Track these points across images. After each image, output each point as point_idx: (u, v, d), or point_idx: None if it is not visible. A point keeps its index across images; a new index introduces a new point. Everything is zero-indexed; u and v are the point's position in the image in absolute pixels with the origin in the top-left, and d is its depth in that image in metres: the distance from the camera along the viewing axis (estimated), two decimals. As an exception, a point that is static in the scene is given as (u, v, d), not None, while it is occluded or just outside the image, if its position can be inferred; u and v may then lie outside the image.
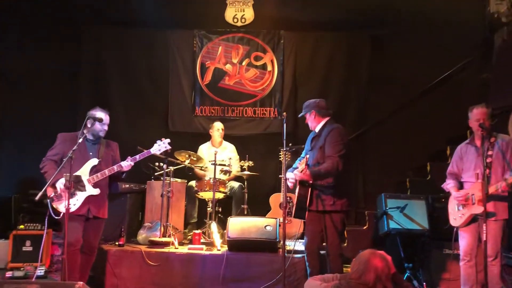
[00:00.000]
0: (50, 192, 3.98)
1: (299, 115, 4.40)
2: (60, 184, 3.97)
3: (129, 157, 4.27)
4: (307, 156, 4.01)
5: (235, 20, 6.85)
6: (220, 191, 5.52)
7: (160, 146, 4.42)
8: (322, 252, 4.16)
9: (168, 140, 4.47)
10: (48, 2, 6.58)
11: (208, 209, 5.63)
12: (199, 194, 5.67)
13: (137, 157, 4.27)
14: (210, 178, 5.49)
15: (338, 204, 3.96)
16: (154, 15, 6.54)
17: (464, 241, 4.07)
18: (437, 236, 4.99)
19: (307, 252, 4.12)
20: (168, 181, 5.34)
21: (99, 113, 4.25)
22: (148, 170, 5.61)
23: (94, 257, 4.34)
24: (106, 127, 4.30)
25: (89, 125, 4.20)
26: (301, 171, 3.84)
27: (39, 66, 6.57)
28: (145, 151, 4.34)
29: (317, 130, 4.19)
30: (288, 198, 4.13)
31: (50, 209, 3.96)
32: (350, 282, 2.40)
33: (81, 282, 3.26)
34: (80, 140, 3.90)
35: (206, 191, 5.52)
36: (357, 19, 6.63)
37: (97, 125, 4.22)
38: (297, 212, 3.99)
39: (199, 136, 6.58)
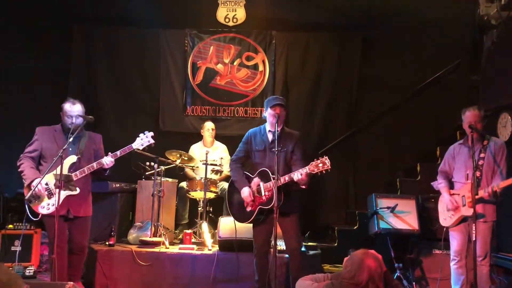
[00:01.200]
0: (27, 193, 3.83)
1: (280, 103, 4.02)
2: (38, 185, 3.81)
3: (109, 153, 4.05)
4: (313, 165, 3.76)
5: (227, 20, 6.84)
6: (211, 191, 5.51)
7: (143, 140, 4.11)
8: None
9: (151, 133, 4.15)
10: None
11: (199, 209, 5.61)
12: (190, 194, 5.65)
13: (118, 152, 4.02)
14: (201, 178, 5.47)
15: (299, 206, 4.09)
16: (145, 14, 6.51)
17: (455, 242, 4.11)
18: (427, 236, 5.03)
19: (260, 254, 4.06)
20: (159, 181, 5.32)
21: (66, 106, 4.04)
22: (138, 170, 5.59)
23: (84, 256, 4.24)
24: (74, 120, 4.00)
25: (64, 118, 4.05)
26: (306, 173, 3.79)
27: (29, 65, 6.52)
28: (127, 146, 4.09)
29: (278, 131, 4.02)
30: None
31: (27, 210, 3.84)
32: (342, 282, 2.40)
33: (71, 283, 3.22)
34: (71, 139, 3.80)
35: (197, 191, 5.50)
36: (348, 20, 6.67)
37: (64, 118, 4.03)
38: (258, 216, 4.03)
39: (190, 135, 6.56)
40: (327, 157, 3.73)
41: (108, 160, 3.99)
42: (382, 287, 2.43)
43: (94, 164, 3.97)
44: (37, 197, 3.87)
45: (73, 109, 4.04)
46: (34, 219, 3.88)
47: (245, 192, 4.02)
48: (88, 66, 6.80)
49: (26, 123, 6.26)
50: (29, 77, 6.58)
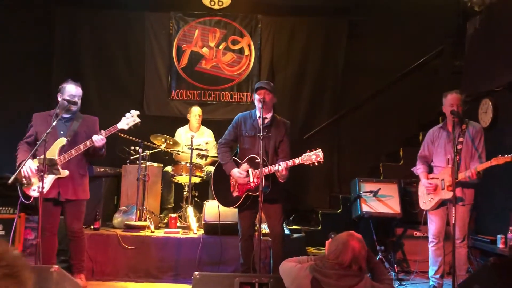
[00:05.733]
0: (21, 177, 3.81)
1: (262, 86, 4.01)
2: (27, 167, 3.80)
3: (102, 130, 3.96)
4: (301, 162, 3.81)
5: (212, 3, 6.77)
6: (196, 176, 5.52)
7: (128, 120, 3.97)
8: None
9: (137, 112, 4.02)
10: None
11: (185, 193, 5.62)
12: (175, 179, 5.66)
13: (103, 132, 3.93)
14: (187, 162, 5.47)
15: (285, 196, 4.16)
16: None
17: (433, 224, 4.21)
18: (409, 220, 5.15)
19: (245, 237, 4.12)
20: (144, 165, 5.31)
21: (69, 86, 4.00)
22: (123, 154, 5.56)
23: (79, 242, 4.17)
24: (76, 99, 3.99)
25: (59, 99, 3.98)
26: (285, 168, 3.82)
27: (11, 48, 6.39)
28: (112, 126, 3.97)
29: (268, 117, 4.07)
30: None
31: (20, 194, 3.82)
32: (326, 262, 2.45)
33: (56, 266, 3.22)
34: (54, 123, 3.73)
35: (182, 175, 5.51)
36: (334, 5, 6.67)
37: (65, 97, 3.95)
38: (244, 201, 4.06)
39: (175, 120, 6.52)
40: (321, 149, 3.77)
41: (97, 138, 3.87)
42: (365, 267, 2.48)
43: (81, 146, 3.90)
44: (29, 180, 3.83)
45: (78, 91, 4.05)
46: (26, 202, 3.84)
47: (236, 173, 4.02)
48: (72, 50, 6.69)
49: (8, 108, 6.20)
50: (12, 61, 6.45)
